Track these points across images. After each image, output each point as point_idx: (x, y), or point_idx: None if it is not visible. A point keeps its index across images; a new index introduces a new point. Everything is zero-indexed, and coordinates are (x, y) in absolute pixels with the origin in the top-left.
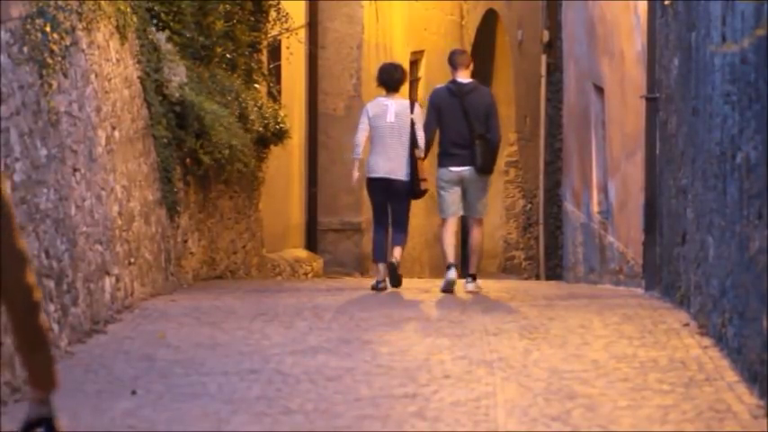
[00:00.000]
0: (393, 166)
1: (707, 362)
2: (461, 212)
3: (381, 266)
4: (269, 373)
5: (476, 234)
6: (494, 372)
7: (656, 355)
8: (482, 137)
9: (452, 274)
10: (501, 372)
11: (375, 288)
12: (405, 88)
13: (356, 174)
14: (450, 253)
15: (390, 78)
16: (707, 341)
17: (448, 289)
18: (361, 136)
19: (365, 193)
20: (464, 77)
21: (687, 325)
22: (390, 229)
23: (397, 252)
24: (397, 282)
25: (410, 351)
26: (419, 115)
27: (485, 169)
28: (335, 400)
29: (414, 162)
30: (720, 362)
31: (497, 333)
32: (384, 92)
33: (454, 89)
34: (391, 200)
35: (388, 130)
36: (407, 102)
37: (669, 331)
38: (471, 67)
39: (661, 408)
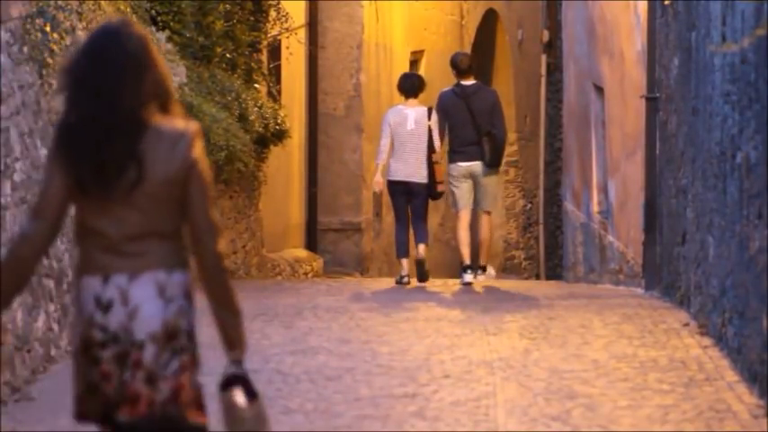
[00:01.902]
0: (413, 170)
1: (707, 362)
2: (472, 205)
3: (404, 262)
4: (269, 372)
5: (485, 227)
6: (494, 372)
7: (656, 355)
8: (489, 134)
9: (468, 277)
10: (501, 372)
11: (399, 282)
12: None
13: (380, 179)
14: (466, 253)
15: (411, 86)
16: (707, 341)
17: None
18: (386, 143)
19: (365, 193)
20: (467, 80)
21: (687, 325)
22: (412, 228)
23: (421, 249)
24: (424, 276)
25: (410, 351)
26: (435, 122)
27: (492, 163)
28: (335, 400)
29: (431, 166)
30: (720, 362)
31: (497, 333)
32: (403, 98)
33: (459, 91)
34: (411, 200)
35: (408, 136)
36: (425, 109)
37: (669, 331)
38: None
39: (661, 408)
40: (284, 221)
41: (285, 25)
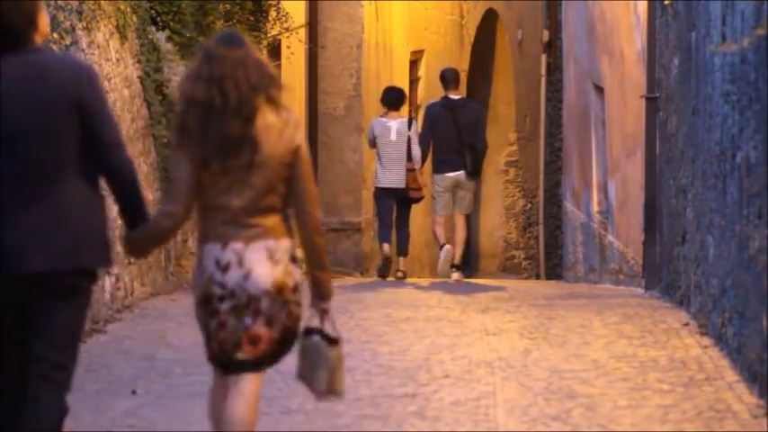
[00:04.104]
0: (398, 177)
1: (707, 361)
2: (450, 211)
3: (386, 246)
4: (269, 372)
5: (460, 228)
6: (494, 372)
7: (656, 355)
8: (471, 145)
9: (447, 247)
10: (501, 372)
11: (380, 269)
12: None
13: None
14: (442, 236)
15: (393, 100)
16: (707, 341)
17: (447, 261)
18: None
19: (365, 193)
20: (455, 94)
21: (687, 325)
22: (396, 235)
23: (401, 262)
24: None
25: (410, 351)
26: (415, 132)
27: (473, 173)
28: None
29: (406, 172)
30: (720, 361)
31: (497, 333)
32: (385, 110)
33: (447, 104)
34: (396, 204)
35: (391, 147)
36: (405, 120)
37: (669, 331)
38: (460, 82)
39: (661, 407)
40: None
41: (285, 25)
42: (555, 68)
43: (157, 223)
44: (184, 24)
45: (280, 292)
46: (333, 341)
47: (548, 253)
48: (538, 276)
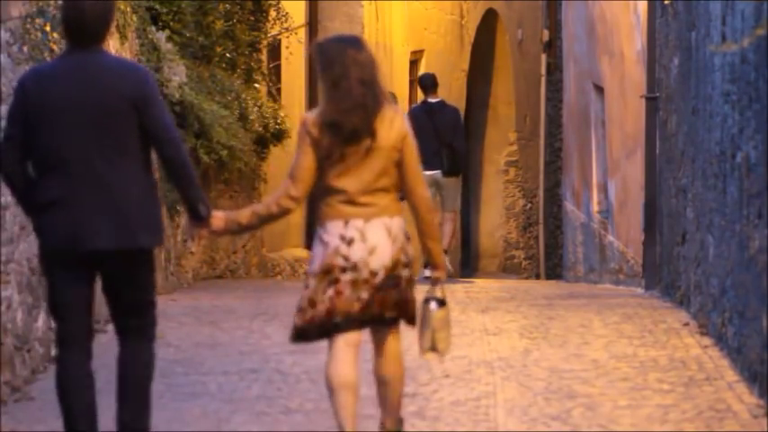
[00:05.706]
0: None
1: (707, 361)
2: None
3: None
4: (269, 372)
5: (448, 224)
6: (494, 371)
7: (656, 355)
8: (449, 145)
9: (427, 272)
10: (501, 371)
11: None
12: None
13: None
14: None
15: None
16: (707, 341)
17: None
18: None
19: None
20: (433, 97)
21: (687, 324)
22: None
23: None
24: None
25: (410, 351)
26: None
27: (451, 171)
28: None
29: None
30: (720, 361)
31: (497, 333)
32: None
33: (425, 108)
34: None
35: None
36: None
37: (669, 331)
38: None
39: (661, 407)
40: (284, 221)
41: (285, 25)
42: (555, 68)
43: (280, 204)
44: (184, 24)
45: (394, 267)
46: (442, 304)
47: (548, 253)
48: (538, 276)
